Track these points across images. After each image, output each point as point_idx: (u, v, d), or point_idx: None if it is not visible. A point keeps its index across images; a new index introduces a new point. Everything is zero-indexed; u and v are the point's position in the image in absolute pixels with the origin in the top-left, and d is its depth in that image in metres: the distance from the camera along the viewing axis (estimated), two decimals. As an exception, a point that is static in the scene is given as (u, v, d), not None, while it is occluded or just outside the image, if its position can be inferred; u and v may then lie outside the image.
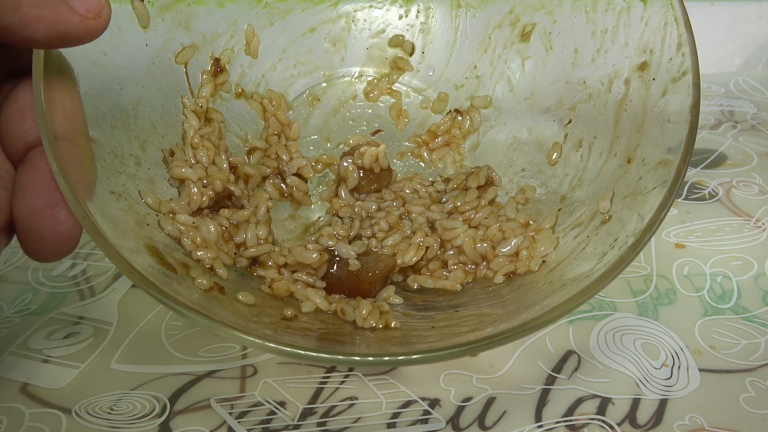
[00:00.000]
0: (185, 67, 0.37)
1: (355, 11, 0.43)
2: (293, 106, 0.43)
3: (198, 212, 0.33)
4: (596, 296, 0.39)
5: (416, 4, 0.44)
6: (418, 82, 0.44)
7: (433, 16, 0.44)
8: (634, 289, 0.40)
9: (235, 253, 0.34)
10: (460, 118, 0.43)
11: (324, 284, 0.33)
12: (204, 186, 0.34)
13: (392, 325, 0.31)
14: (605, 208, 0.32)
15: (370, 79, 0.44)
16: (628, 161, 0.33)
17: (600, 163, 0.35)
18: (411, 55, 0.44)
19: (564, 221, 0.35)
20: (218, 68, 0.39)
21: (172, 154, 0.34)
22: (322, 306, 0.32)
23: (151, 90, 0.35)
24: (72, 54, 0.28)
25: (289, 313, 0.31)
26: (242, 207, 0.35)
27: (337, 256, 0.34)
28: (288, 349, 0.25)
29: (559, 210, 0.36)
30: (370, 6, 0.43)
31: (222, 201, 0.35)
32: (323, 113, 0.44)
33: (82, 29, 0.24)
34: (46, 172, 0.25)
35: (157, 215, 0.31)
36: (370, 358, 0.26)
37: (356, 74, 0.44)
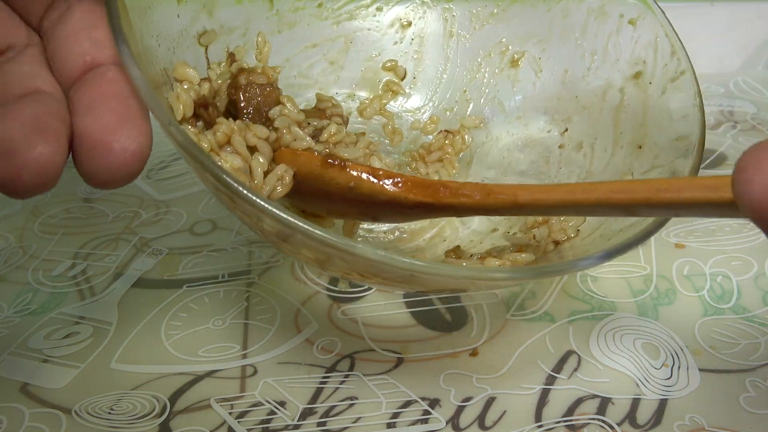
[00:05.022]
0: (206, 51, 0.37)
1: (354, 33, 0.44)
2: None
3: None
4: (596, 296, 0.39)
5: (411, 31, 0.44)
6: (409, 106, 0.45)
7: (425, 45, 0.44)
8: (634, 289, 0.40)
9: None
10: (451, 137, 0.43)
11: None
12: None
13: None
14: None
15: (362, 99, 0.45)
16: (639, 147, 0.33)
17: (607, 157, 0.35)
18: (402, 79, 0.45)
19: None
20: (233, 62, 0.39)
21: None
22: None
23: (177, 59, 0.35)
24: None
25: None
26: (212, 124, 0.34)
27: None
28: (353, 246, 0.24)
29: None
30: (368, 29, 0.44)
31: (197, 109, 0.33)
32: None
33: None
34: (114, 91, 0.25)
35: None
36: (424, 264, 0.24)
37: (349, 94, 0.45)
